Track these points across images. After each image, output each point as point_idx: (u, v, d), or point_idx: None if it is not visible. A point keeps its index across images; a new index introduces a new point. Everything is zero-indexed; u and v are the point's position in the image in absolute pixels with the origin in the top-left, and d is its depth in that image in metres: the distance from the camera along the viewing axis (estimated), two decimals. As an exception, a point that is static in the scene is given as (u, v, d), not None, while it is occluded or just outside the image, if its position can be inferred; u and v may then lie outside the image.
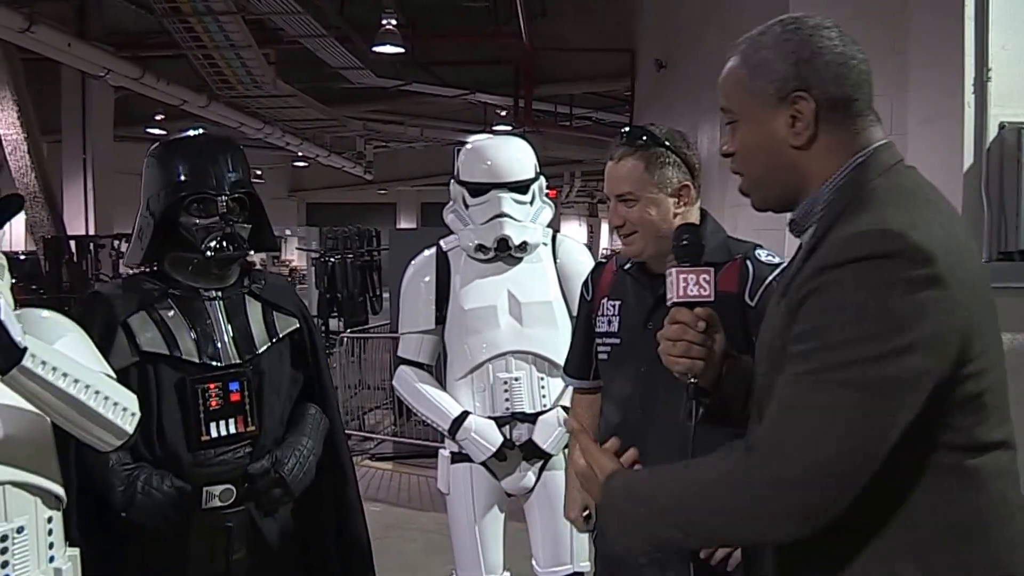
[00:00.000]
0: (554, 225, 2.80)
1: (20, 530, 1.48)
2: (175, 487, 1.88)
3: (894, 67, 2.87)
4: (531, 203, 2.65)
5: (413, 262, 2.78)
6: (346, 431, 7.44)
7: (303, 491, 2.06)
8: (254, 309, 2.09)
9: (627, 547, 1.17)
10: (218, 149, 2.07)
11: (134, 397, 1.60)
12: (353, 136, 17.55)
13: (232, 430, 1.98)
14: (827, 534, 1.03)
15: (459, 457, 2.66)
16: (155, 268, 2.07)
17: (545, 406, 2.61)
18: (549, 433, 2.57)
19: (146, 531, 1.89)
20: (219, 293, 2.05)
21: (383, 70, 11.07)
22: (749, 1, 4.61)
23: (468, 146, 2.76)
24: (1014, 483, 1.11)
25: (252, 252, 2.06)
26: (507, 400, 2.60)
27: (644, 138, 1.83)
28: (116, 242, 10.77)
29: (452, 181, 2.73)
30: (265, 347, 2.06)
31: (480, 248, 2.60)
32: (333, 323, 10.40)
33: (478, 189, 2.62)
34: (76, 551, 1.60)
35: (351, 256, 10.80)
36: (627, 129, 1.89)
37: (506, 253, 2.60)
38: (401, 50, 9.66)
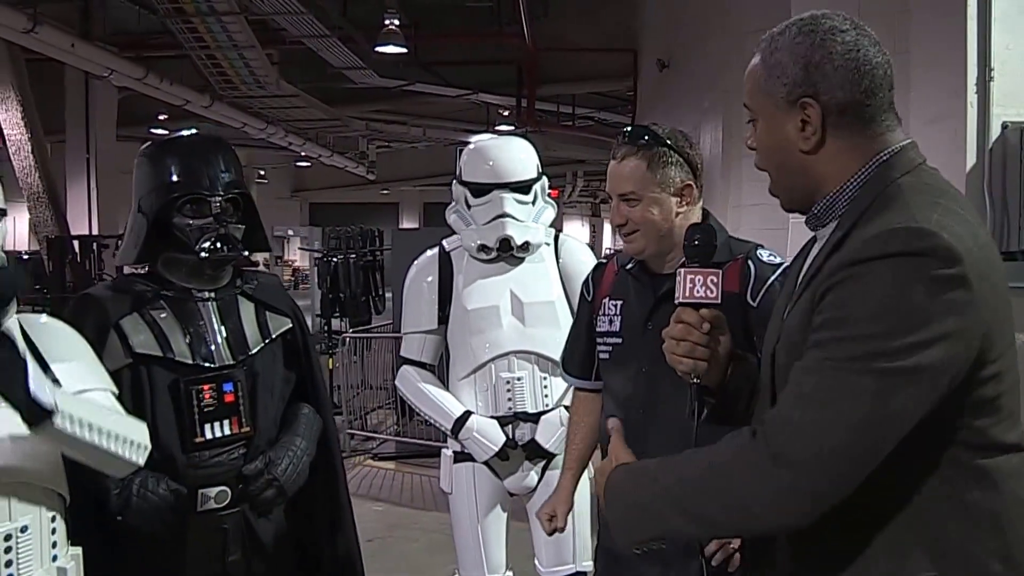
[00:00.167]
0: (557, 225, 2.80)
1: (24, 529, 1.48)
2: (171, 490, 1.87)
3: (896, 67, 2.86)
4: (533, 203, 2.65)
5: (416, 262, 2.78)
6: (349, 431, 7.46)
7: (296, 491, 2.05)
8: (247, 310, 2.08)
9: (629, 537, 1.17)
10: (211, 149, 2.05)
11: (144, 428, 1.60)
12: (356, 136, 17.58)
13: (227, 431, 1.96)
14: (841, 526, 1.03)
15: (462, 457, 2.66)
16: (147, 269, 2.05)
17: (548, 406, 2.61)
18: (552, 433, 2.58)
19: (143, 534, 1.87)
20: (212, 294, 2.03)
21: (386, 70, 11.09)
22: (751, 1, 4.61)
23: (470, 146, 2.76)
24: None
25: (246, 253, 2.04)
26: (510, 400, 2.60)
27: (647, 137, 1.83)
28: (119, 242, 10.76)
29: (454, 181, 2.73)
30: (258, 348, 2.05)
31: (482, 248, 2.60)
32: (336, 323, 10.40)
33: (480, 189, 2.62)
34: (79, 550, 1.61)
35: (354, 256, 10.80)
36: (629, 129, 1.89)
37: (508, 253, 2.60)
38: (404, 50, 9.67)
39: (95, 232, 11.57)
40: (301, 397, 2.16)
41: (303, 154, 18.29)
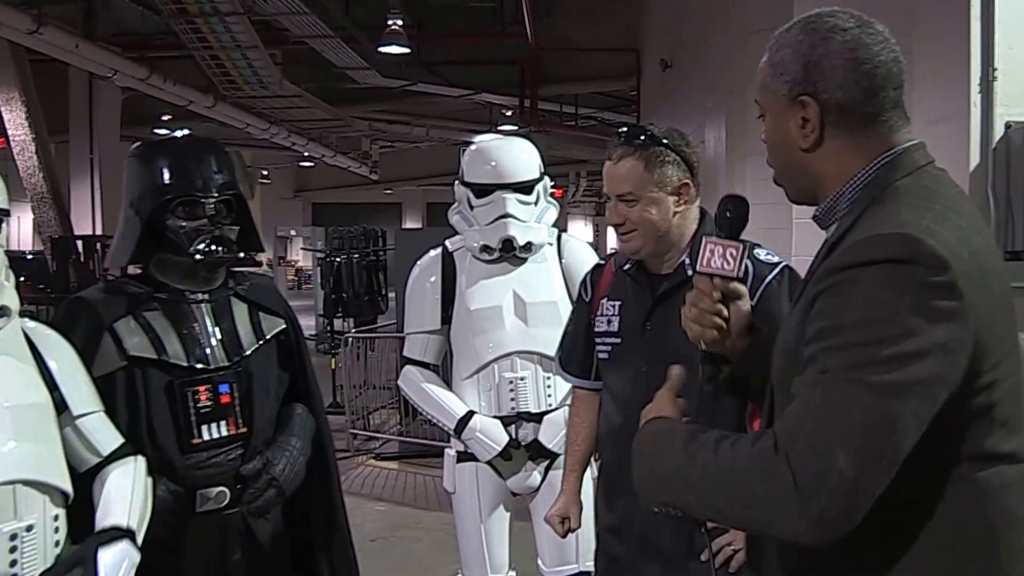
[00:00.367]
0: (560, 225, 2.80)
1: (30, 528, 1.49)
2: (169, 491, 1.87)
3: (900, 67, 2.86)
4: (536, 203, 2.66)
5: (419, 262, 2.78)
6: (352, 430, 7.46)
7: (293, 491, 2.05)
8: (240, 311, 2.07)
9: (646, 496, 1.19)
10: (203, 150, 2.04)
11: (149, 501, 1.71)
12: (359, 136, 17.59)
13: (223, 432, 1.96)
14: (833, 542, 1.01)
15: (465, 456, 2.66)
16: (140, 270, 2.05)
17: (551, 405, 2.61)
18: (555, 432, 2.58)
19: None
20: (205, 296, 2.03)
21: (389, 70, 11.09)
22: (754, 1, 4.61)
23: (472, 147, 2.77)
24: (1021, 495, 1.09)
25: (241, 255, 2.03)
26: (513, 400, 2.60)
27: (643, 137, 1.83)
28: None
29: (457, 182, 2.73)
30: (253, 348, 2.05)
31: (485, 249, 2.60)
32: (338, 323, 10.42)
33: (482, 190, 2.63)
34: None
35: (357, 256, 10.82)
36: (625, 129, 1.88)
37: (511, 253, 2.61)
38: (407, 50, 9.68)
39: (99, 232, 11.58)
40: (295, 397, 2.17)
41: (306, 154, 18.31)
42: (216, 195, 1.98)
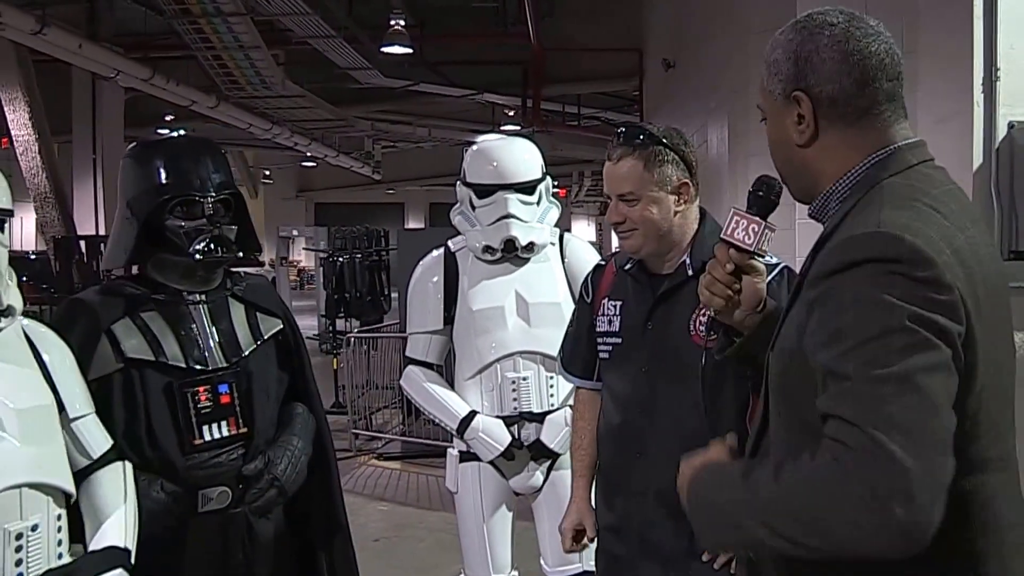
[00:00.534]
0: (564, 225, 2.80)
1: (34, 528, 1.50)
2: (167, 492, 1.87)
3: (904, 66, 2.86)
4: (538, 203, 2.65)
5: (421, 262, 2.79)
6: (354, 430, 7.45)
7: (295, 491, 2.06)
8: (237, 311, 2.07)
9: (711, 541, 1.16)
10: (200, 150, 2.03)
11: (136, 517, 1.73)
12: (361, 136, 17.61)
13: (224, 432, 1.96)
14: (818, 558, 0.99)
15: (467, 456, 2.66)
16: (136, 271, 2.04)
17: (553, 406, 2.61)
18: (557, 432, 2.58)
19: (142, 536, 1.88)
20: (203, 296, 2.02)
21: (391, 70, 11.10)
22: (756, 1, 4.61)
23: (474, 148, 2.77)
24: (1009, 501, 1.08)
25: (240, 255, 2.02)
26: (515, 400, 2.60)
27: (641, 137, 1.83)
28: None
29: (458, 183, 2.74)
30: (251, 349, 2.05)
31: (487, 249, 2.60)
32: (340, 323, 10.43)
33: (484, 190, 2.63)
34: (80, 548, 1.63)
35: (359, 256, 10.83)
36: (623, 129, 1.88)
37: (513, 254, 2.61)
38: (409, 50, 9.68)
39: (102, 232, 11.59)
40: (294, 397, 2.17)
41: (308, 154, 18.34)
42: (214, 194, 1.97)
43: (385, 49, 9.60)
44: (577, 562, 2.63)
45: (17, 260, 1.67)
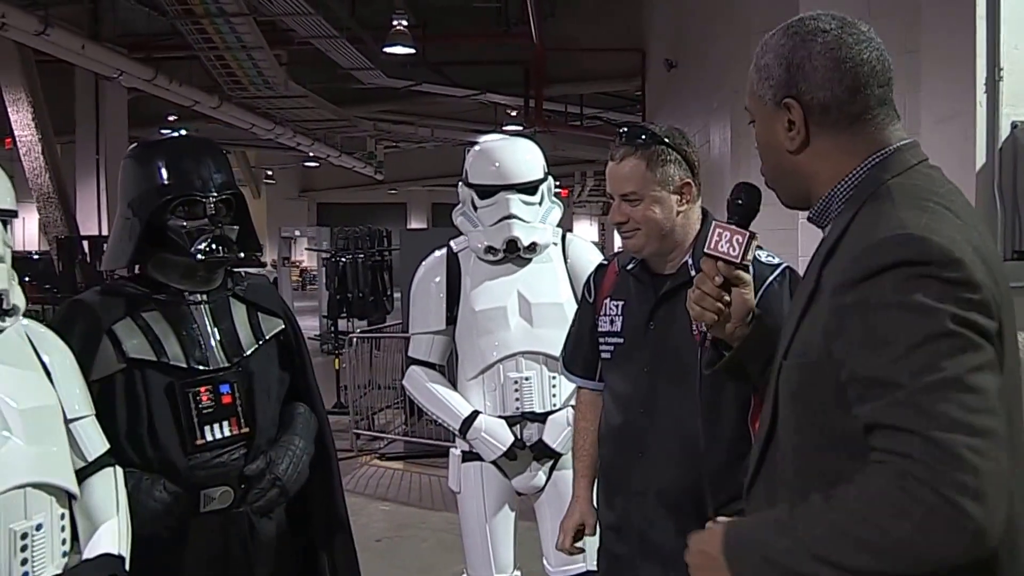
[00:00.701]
0: (566, 225, 2.80)
1: (39, 528, 1.50)
2: (169, 492, 1.87)
3: (906, 66, 2.86)
4: (540, 204, 2.66)
5: (424, 263, 2.79)
6: (356, 430, 7.45)
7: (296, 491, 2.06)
8: (239, 311, 2.07)
9: None
10: (200, 150, 2.04)
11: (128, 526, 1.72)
12: (364, 136, 17.62)
13: (226, 433, 1.96)
14: None
15: (470, 456, 2.67)
16: (137, 271, 2.04)
17: (555, 406, 2.61)
18: (559, 432, 2.58)
19: (143, 536, 1.86)
20: (204, 297, 2.02)
21: (394, 71, 11.11)
22: (758, 1, 4.60)
23: (476, 148, 2.77)
24: (1019, 502, 1.06)
25: (241, 255, 2.02)
26: (517, 400, 2.61)
27: (644, 137, 1.83)
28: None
29: (460, 183, 2.74)
30: (252, 349, 2.05)
31: (489, 250, 2.60)
32: (343, 323, 10.43)
33: (486, 191, 2.63)
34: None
35: (362, 256, 10.84)
36: (626, 129, 1.88)
37: (515, 254, 2.61)
38: (412, 51, 9.69)
39: (104, 233, 11.61)
40: (295, 397, 2.17)
41: (311, 154, 18.34)
42: (216, 194, 1.97)
43: (387, 49, 9.62)
44: (580, 562, 2.63)
45: (20, 260, 1.67)
